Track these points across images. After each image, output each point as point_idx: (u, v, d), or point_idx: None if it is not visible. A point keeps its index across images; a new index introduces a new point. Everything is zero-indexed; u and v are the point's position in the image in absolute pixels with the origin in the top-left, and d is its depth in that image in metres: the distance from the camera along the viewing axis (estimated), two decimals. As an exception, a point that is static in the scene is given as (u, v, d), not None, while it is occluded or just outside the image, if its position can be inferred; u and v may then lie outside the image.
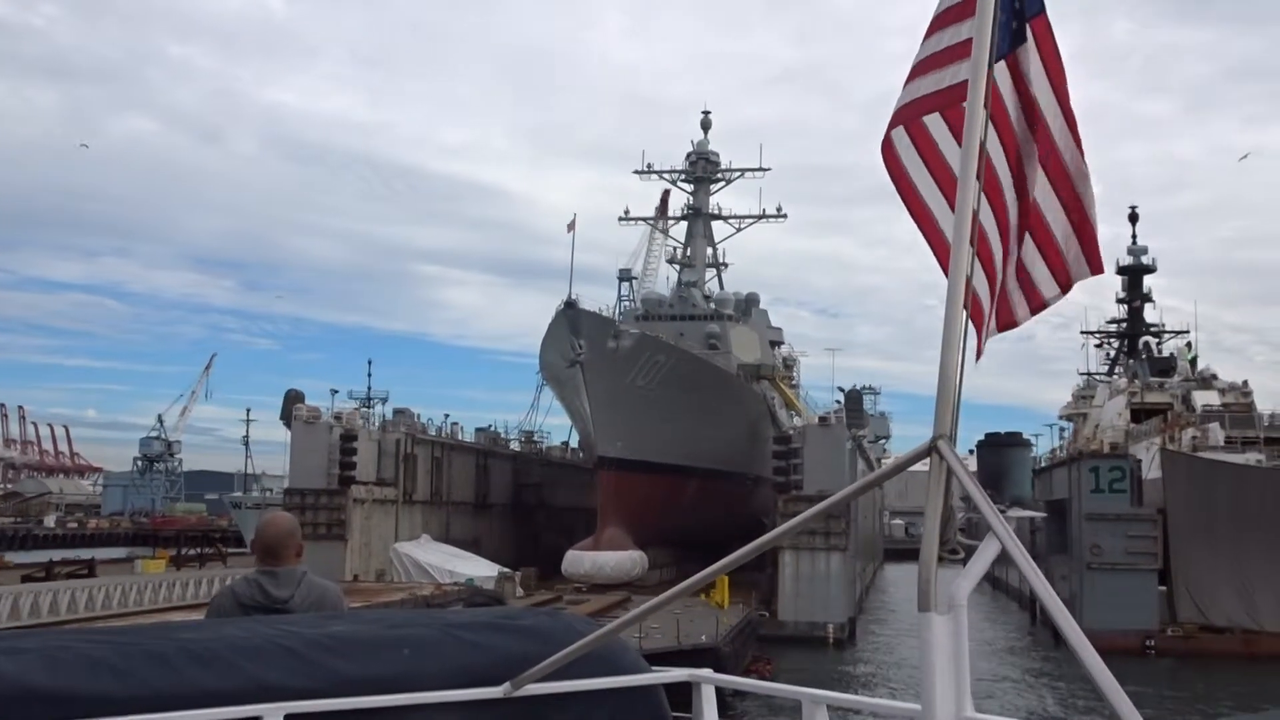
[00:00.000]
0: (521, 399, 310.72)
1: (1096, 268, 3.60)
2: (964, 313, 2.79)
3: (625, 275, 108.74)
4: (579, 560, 58.06)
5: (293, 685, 3.14)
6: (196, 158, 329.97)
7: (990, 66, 2.93)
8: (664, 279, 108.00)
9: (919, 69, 3.52)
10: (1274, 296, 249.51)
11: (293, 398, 54.14)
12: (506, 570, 55.14)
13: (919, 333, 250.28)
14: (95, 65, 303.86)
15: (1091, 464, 49.83)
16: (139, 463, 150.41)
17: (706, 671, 4.01)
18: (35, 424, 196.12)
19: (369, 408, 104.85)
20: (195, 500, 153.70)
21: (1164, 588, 48.57)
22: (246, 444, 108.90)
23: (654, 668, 3.89)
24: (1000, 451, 78.97)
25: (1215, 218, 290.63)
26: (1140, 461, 51.86)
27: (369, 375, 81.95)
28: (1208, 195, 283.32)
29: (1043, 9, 3.38)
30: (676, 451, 62.47)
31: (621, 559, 57.69)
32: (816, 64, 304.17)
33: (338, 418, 55.69)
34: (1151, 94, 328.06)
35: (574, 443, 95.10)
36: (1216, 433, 56.23)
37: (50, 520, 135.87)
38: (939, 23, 3.44)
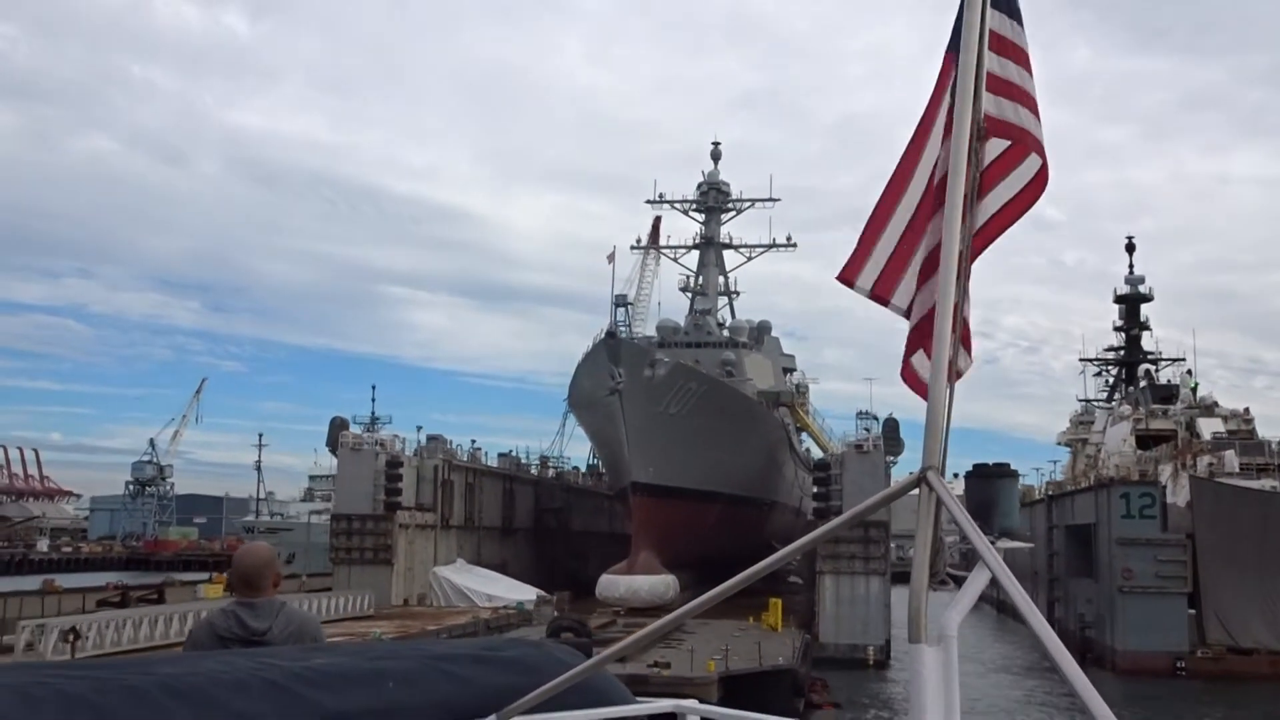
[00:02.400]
0: (496, 422, 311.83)
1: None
2: (952, 344, 2.80)
3: (621, 301, 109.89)
4: (614, 584, 59.05)
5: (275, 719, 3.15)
6: (159, 179, 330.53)
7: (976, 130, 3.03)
8: (655, 305, 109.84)
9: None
10: (1235, 322, 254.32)
11: (338, 425, 55.15)
12: (545, 594, 56.25)
13: (887, 356, 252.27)
14: (56, 86, 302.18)
15: (1122, 490, 51.45)
16: (130, 486, 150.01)
17: (691, 702, 4.08)
18: (5, 447, 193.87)
19: (374, 430, 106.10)
20: (185, 524, 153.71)
21: (1193, 611, 50.08)
22: (259, 468, 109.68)
23: (639, 699, 3.90)
24: (989, 482, 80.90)
25: (1177, 244, 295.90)
26: (1165, 488, 53.56)
27: (373, 400, 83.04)
28: (1168, 221, 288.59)
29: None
30: (702, 477, 63.76)
31: (655, 583, 58.77)
32: (778, 88, 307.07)
33: (380, 444, 56.62)
34: (1111, 121, 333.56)
35: (583, 468, 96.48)
36: (1232, 460, 58.12)
37: (43, 545, 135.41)
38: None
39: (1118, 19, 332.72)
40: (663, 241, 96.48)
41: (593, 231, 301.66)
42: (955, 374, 3.35)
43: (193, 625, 5.59)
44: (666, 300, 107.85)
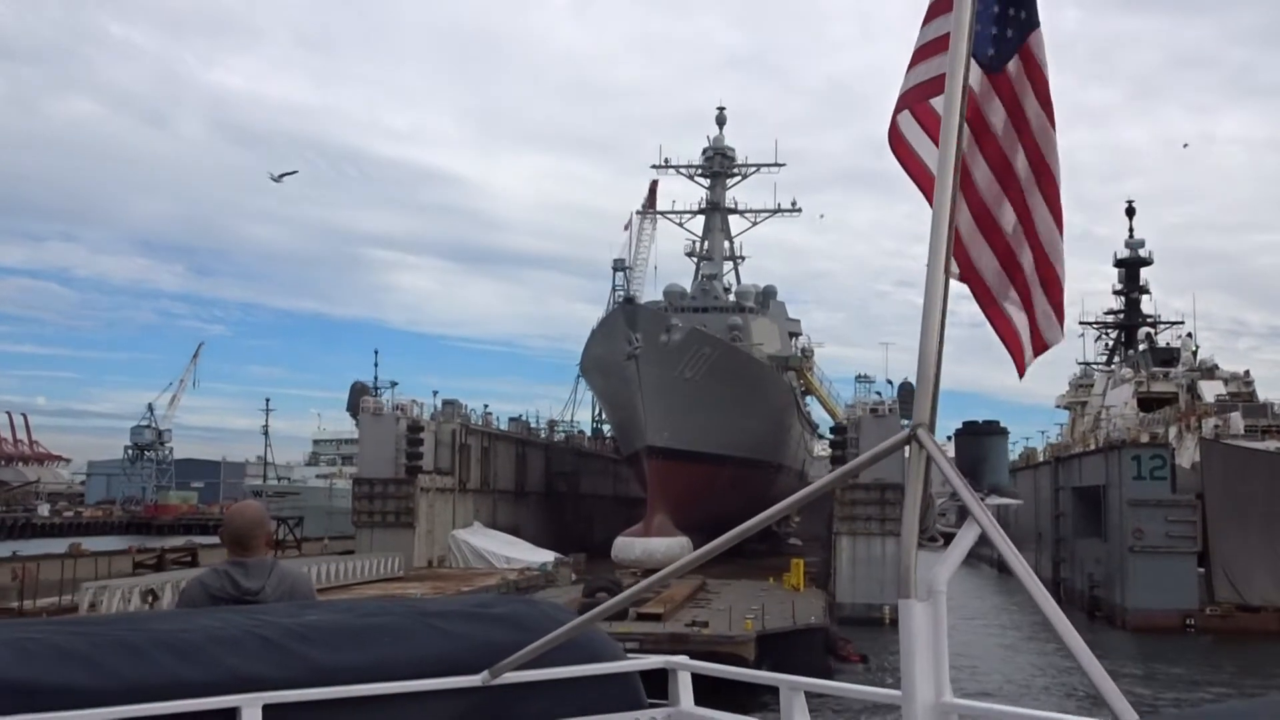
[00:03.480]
0: (485, 385, 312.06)
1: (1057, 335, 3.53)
2: (942, 302, 2.76)
3: (619, 265, 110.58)
4: (630, 546, 59.88)
5: (269, 675, 3.15)
6: (141, 141, 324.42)
7: (968, 65, 2.91)
8: (652, 269, 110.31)
9: (920, 54, 3.43)
10: (1220, 281, 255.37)
11: (359, 390, 55.77)
12: (563, 557, 57.11)
13: (872, 318, 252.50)
14: (35, 46, 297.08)
15: (1133, 452, 52.35)
16: (129, 451, 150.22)
17: (682, 658, 4.09)
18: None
19: (375, 396, 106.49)
20: (183, 489, 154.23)
21: (1202, 569, 51.17)
22: (266, 433, 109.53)
23: (630, 655, 3.96)
24: (978, 440, 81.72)
25: (1162, 205, 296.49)
26: (1173, 450, 54.54)
27: (375, 366, 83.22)
28: (1154, 183, 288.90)
29: (1038, 24, 3.33)
30: (714, 440, 64.55)
31: (671, 545, 59.57)
32: (762, 49, 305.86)
33: (400, 410, 57.22)
34: (1099, 82, 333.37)
35: (589, 432, 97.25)
36: (1237, 422, 59.04)
37: (44, 509, 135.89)
38: (935, 9, 3.35)
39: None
40: (662, 205, 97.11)
41: (578, 194, 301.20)
42: (1043, 345, 3.50)
43: (184, 584, 5.53)
44: (663, 265, 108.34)
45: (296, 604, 4.57)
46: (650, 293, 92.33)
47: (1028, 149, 3.30)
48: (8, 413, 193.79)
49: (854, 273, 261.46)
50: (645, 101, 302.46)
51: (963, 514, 2.75)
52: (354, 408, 55.40)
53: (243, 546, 5.09)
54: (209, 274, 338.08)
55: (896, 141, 3.51)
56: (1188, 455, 55.48)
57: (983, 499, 2.58)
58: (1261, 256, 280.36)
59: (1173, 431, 60.86)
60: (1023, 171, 3.31)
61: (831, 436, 59.70)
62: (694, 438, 62.44)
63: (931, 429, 2.61)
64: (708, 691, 4.18)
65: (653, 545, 59.41)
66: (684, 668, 4.02)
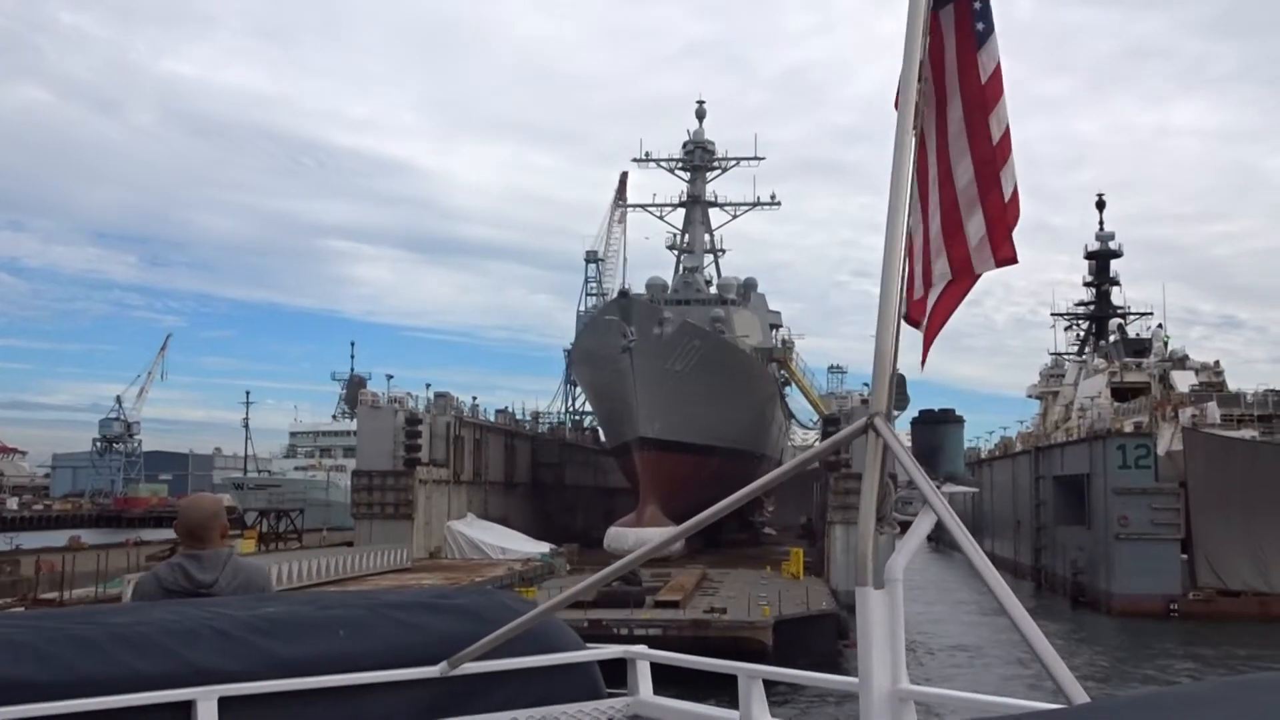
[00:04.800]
0: (445, 376, 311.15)
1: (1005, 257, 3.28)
2: (899, 295, 2.78)
3: (591, 257, 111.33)
4: (622, 536, 60.61)
5: (226, 668, 3.11)
6: (93, 129, 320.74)
7: (945, 55, 2.99)
8: (624, 261, 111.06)
9: None
10: (1176, 272, 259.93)
11: (357, 383, 56.18)
12: (556, 547, 57.84)
13: (831, 308, 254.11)
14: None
15: (1118, 442, 53.84)
16: (98, 444, 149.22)
17: (641, 648, 4.10)
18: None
19: (356, 384, 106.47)
20: (150, 481, 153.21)
21: (1185, 556, 52.67)
22: (247, 426, 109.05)
23: (589, 645, 3.95)
24: (934, 428, 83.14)
25: (1119, 195, 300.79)
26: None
27: (352, 357, 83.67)
28: (1110, 173, 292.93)
29: None
30: (702, 431, 65.50)
31: (663, 534, 60.39)
32: (721, 39, 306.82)
33: (397, 403, 57.68)
34: (1054, 72, 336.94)
35: (567, 423, 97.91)
36: (1214, 411, 60.61)
37: (13, 503, 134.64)
38: None
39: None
40: (633, 197, 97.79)
41: (537, 184, 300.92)
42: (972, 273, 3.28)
43: (138, 578, 5.48)
44: (633, 257, 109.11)
45: (255, 596, 4.55)
46: (619, 284, 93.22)
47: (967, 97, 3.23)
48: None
49: (813, 263, 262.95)
50: (605, 92, 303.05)
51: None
52: (352, 401, 55.75)
53: (197, 539, 5.01)
54: (163, 264, 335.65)
55: None
56: (1164, 444, 56.97)
57: (939, 486, 2.60)
58: (1214, 247, 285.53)
59: (1145, 421, 62.41)
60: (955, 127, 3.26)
61: (813, 427, 60.57)
62: (683, 429, 63.37)
63: (888, 417, 2.66)
64: (666, 680, 4.23)
65: (646, 535, 60.06)
66: (642, 657, 4.03)
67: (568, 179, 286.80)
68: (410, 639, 3.47)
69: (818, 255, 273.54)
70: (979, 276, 3.25)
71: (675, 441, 63.30)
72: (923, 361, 3.39)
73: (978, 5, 3.14)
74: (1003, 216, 3.20)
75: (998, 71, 3.16)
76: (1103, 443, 55.17)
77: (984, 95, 3.16)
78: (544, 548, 57.34)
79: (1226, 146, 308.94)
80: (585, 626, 33.87)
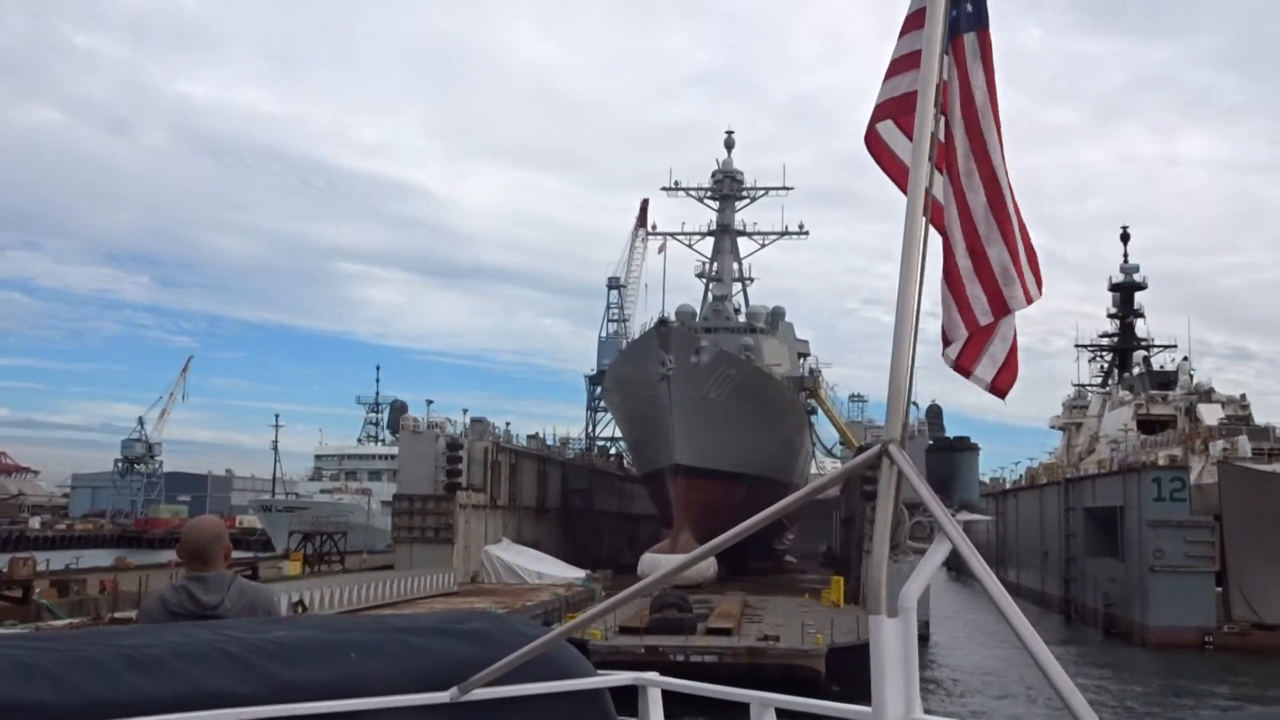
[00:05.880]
0: (457, 399, 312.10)
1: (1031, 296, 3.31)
2: (914, 319, 2.75)
3: (614, 283, 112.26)
4: (656, 563, 60.93)
5: (236, 691, 3.12)
6: (105, 150, 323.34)
7: (941, 77, 2.94)
8: (644, 287, 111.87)
9: (899, 66, 3.37)
10: (1184, 303, 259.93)
11: (398, 409, 56.91)
12: (592, 573, 58.35)
13: (840, 336, 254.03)
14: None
15: (1153, 474, 54.25)
16: (119, 464, 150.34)
17: (652, 675, 4.06)
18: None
19: (378, 412, 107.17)
20: (170, 502, 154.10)
21: (1219, 589, 53.01)
22: (275, 448, 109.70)
23: (600, 672, 3.88)
24: (949, 456, 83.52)
25: (1123, 225, 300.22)
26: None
27: (377, 381, 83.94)
28: (1117, 203, 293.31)
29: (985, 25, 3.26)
30: (734, 459, 66.04)
31: (688, 556, 60.76)
32: (729, 66, 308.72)
33: (438, 428, 58.39)
34: (1062, 102, 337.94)
35: (585, 448, 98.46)
36: (1244, 445, 61.12)
37: (36, 522, 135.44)
38: (911, 23, 3.29)
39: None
40: (660, 225, 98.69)
41: (546, 207, 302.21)
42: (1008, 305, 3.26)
43: (143, 602, 5.41)
44: (654, 282, 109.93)
45: (265, 619, 4.58)
46: (643, 310, 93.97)
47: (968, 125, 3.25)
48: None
49: (822, 291, 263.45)
50: (613, 116, 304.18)
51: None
52: (394, 425, 56.47)
53: (201, 561, 5.05)
54: (175, 285, 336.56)
55: (877, 147, 3.49)
56: (1194, 477, 57.35)
57: (954, 514, 2.90)
58: (1222, 278, 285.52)
59: (1180, 454, 62.85)
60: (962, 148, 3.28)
61: (838, 455, 60.96)
62: (717, 456, 63.94)
63: (903, 445, 2.62)
64: (678, 708, 4.21)
65: (680, 562, 60.63)
66: (654, 684, 4.00)
67: (576, 204, 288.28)
68: (421, 663, 3.44)
69: (827, 283, 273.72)
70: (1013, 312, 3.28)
71: (709, 469, 63.88)
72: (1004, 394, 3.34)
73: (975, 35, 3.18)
74: (1032, 250, 3.28)
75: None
76: (1137, 475, 55.59)
77: (999, 127, 3.22)
78: (579, 573, 57.85)
79: (1233, 177, 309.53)
80: (641, 653, 34.49)
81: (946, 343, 3.35)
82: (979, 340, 3.33)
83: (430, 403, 62.70)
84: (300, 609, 32.58)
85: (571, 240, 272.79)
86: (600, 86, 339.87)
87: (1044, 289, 3.33)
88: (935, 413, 60.85)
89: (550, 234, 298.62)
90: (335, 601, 37.84)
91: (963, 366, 3.33)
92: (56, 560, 68.71)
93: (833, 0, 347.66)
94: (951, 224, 3.33)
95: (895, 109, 3.39)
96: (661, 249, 60.01)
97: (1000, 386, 3.31)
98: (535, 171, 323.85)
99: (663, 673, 4.19)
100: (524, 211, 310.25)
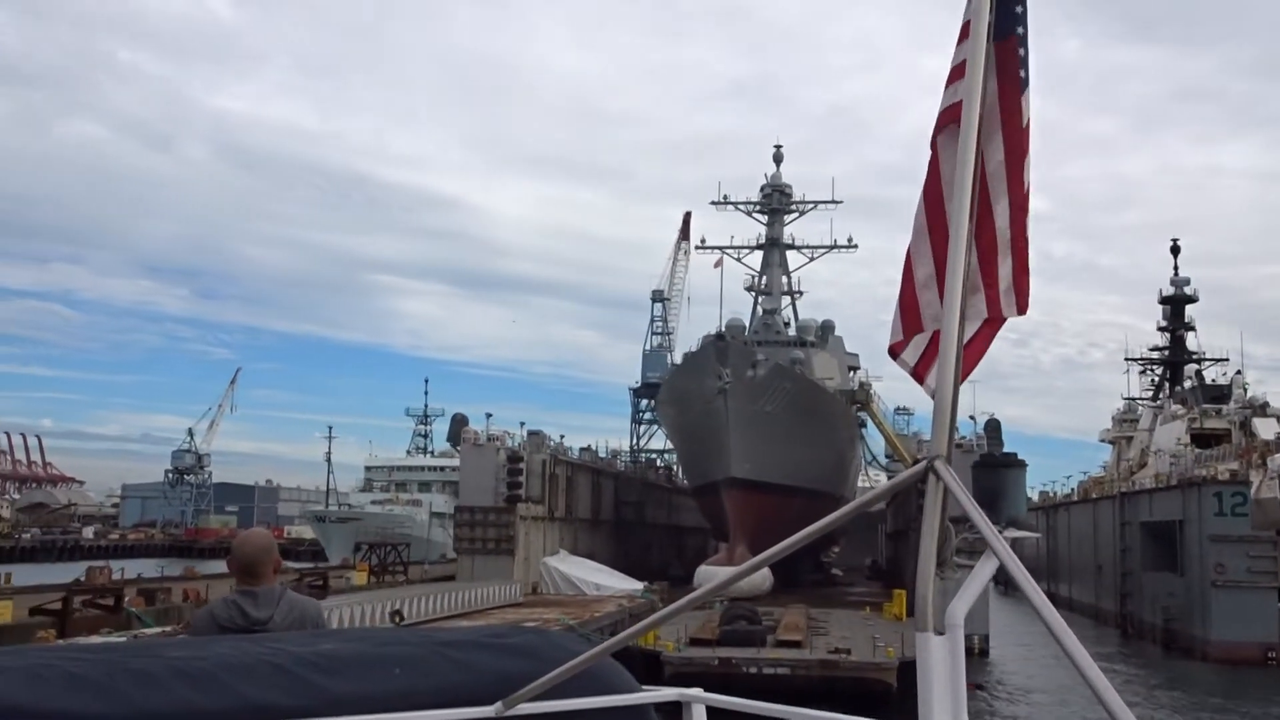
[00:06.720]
0: (492, 411, 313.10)
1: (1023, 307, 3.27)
2: (958, 334, 2.71)
3: (658, 296, 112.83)
4: (713, 575, 61.44)
5: (283, 704, 3.14)
6: (146, 164, 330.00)
7: (985, 91, 2.91)
8: (686, 300, 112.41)
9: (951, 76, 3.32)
10: (1222, 314, 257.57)
11: (459, 421, 57.74)
12: (650, 585, 58.83)
13: (878, 348, 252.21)
14: (43, 70, 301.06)
15: (1214, 489, 54.16)
16: (170, 475, 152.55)
17: (696, 691, 4.01)
18: (8, 434, 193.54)
19: (426, 424, 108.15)
20: (218, 513, 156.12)
21: (1281, 604, 52.87)
22: (329, 460, 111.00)
23: (645, 687, 3.85)
24: (996, 472, 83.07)
25: (1164, 235, 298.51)
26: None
27: (425, 394, 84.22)
28: (1156, 214, 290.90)
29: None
30: (788, 472, 66.41)
31: (754, 575, 61.26)
32: (765, 77, 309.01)
33: (498, 441, 59.18)
34: (1100, 112, 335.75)
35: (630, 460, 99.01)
36: (1304, 459, 60.81)
37: (89, 532, 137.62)
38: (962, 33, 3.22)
39: (1109, 10, 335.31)
40: (695, 237, 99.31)
41: (580, 220, 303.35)
42: (1005, 311, 3.21)
43: (193, 615, 5.70)
44: (695, 296, 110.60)
45: (311, 633, 4.57)
46: (685, 323, 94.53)
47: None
48: (22, 435, 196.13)
49: (857, 302, 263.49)
50: (647, 129, 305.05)
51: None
52: (455, 438, 57.35)
53: (251, 575, 5.06)
54: (213, 297, 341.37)
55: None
56: (1253, 491, 57.09)
57: (1001, 531, 2.56)
58: (1264, 289, 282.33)
59: (1239, 468, 62.57)
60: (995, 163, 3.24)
61: (886, 468, 61.14)
62: (771, 469, 64.36)
63: (949, 460, 2.60)
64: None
65: (733, 573, 61.01)
66: (698, 700, 3.90)
67: (611, 216, 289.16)
68: (465, 678, 3.41)
69: (863, 294, 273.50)
70: (1004, 320, 3.26)
71: (764, 481, 64.29)
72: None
73: (1022, 51, 3.15)
74: (1027, 264, 3.24)
75: (1028, 125, 3.20)
76: (1197, 490, 55.49)
77: (1024, 141, 3.20)
78: (636, 585, 58.32)
79: (1276, 188, 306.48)
80: (715, 665, 35.00)
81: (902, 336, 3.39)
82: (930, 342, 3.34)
83: (489, 415, 63.56)
84: (399, 619, 33.28)
85: (606, 252, 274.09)
86: (636, 98, 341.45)
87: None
88: (994, 427, 60.76)
89: (585, 246, 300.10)
90: (426, 610, 38.92)
91: (895, 350, 3.37)
92: (137, 570, 69.97)
93: (868, 10, 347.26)
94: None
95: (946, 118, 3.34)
96: (718, 264, 60.77)
97: (920, 373, 3.32)
98: (571, 184, 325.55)
99: (736, 685, 4.38)
100: (558, 223, 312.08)
